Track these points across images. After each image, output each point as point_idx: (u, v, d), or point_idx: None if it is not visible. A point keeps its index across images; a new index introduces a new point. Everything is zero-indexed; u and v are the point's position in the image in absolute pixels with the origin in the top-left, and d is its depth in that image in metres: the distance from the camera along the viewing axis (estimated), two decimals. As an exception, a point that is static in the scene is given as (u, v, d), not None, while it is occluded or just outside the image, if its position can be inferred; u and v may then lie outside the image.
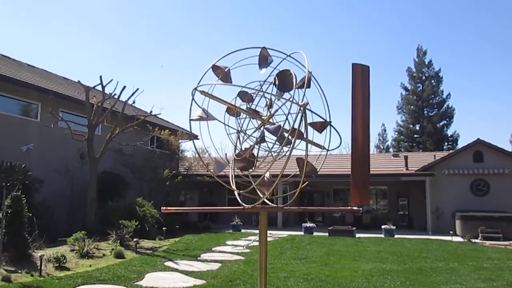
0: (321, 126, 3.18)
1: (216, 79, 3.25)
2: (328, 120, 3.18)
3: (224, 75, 3.23)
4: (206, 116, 3.11)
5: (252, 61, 3.28)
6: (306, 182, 3.36)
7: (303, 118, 2.86)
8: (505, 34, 59.77)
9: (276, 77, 3.20)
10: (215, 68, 3.25)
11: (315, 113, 3.17)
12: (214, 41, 63.96)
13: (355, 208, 3.91)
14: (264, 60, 3.23)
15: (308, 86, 3.01)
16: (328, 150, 3.21)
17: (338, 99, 51.03)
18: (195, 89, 3.13)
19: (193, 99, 3.13)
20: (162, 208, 3.62)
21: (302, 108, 2.84)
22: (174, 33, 63.09)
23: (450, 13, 62.52)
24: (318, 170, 3.26)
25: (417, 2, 62.01)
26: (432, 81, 45.85)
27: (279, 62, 3.30)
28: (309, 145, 3.12)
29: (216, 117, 3.20)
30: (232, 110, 3.34)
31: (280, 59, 3.28)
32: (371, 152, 3.81)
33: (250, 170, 3.30)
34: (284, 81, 3.13)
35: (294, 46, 60.35)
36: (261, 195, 3.19)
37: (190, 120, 3.14)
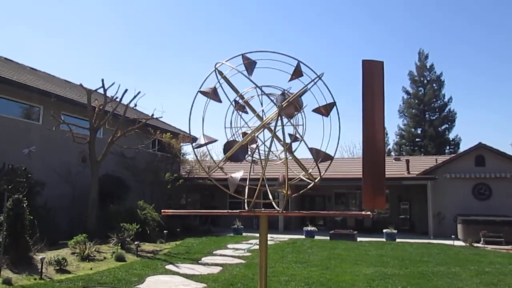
0: (326, 109, 3.24)
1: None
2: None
3: (211, 94, 3.35)
4: (206, 141, 3.31)
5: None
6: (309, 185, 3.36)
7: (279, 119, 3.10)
8: (507, 37, 59.80)
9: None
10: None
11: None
12: (215, 43, 64.21)
13: (365, 213, 3.81)
14: (211, 96, 3.35)
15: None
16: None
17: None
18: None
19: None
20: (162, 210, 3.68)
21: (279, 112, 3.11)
22: (175, 34, 63.36)
23: (452, 16, 62.65)
24: (322, 174, 3.28)
25: (418, 5, 62.16)
26: (434, 85, 45.78)
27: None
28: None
29: (217, 139, 3.41)
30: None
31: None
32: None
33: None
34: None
35: (290, 46, 60.53)
36: (274, 205, 3.24)
37: (194, 148, 3.35)
